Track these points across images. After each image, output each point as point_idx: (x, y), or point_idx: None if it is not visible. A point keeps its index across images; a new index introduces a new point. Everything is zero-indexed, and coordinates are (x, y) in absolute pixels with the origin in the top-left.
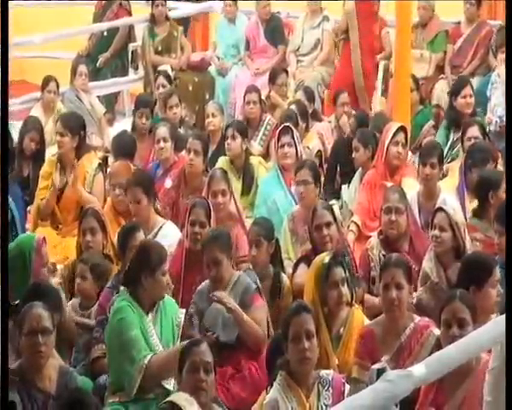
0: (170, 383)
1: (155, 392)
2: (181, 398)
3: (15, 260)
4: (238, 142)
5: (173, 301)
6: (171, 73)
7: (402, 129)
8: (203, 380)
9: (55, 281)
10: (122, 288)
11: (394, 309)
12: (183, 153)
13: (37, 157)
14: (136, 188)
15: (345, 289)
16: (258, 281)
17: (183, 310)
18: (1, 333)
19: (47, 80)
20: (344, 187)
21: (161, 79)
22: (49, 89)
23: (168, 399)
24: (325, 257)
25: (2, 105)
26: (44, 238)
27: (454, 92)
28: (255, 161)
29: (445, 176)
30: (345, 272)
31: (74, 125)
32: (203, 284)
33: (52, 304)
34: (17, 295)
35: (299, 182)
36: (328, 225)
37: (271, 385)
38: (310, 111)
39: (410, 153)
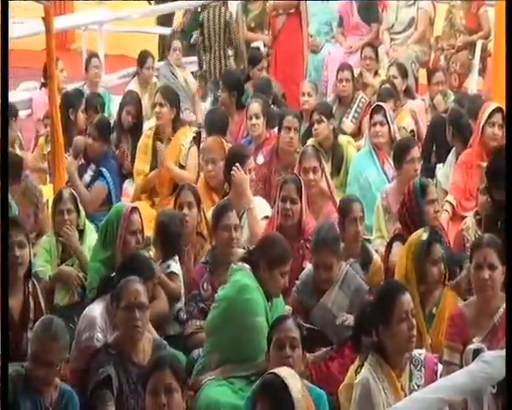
0: None
1: None
2: (284, 370)
3: (107, 228)
4: (324, 125)
5: (282, 299)
6: (264, 50)
7: (499, 110)
8: (289, 356)
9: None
10: (241, 263)
11: (487, 290)
12: (275, 129)
13: (135, 131)
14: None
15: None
16: (362, 273)
17: (290, 308)
18: (1, 331)
19: (145, 56)
20: (439, 166)
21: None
22: (147, 65)
23: (272, 371)
24: (423, 234)
25: (3, 104)
26: (135, 208)
27: None
28: (344, 140)
29: None
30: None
31: (172, 97)
32: (307, 271)
33: (144, 275)
34: (109, 264)
35: (415, 159)
36: (437, 200)
37: (361, 365)
38: (403, 88)
39: None
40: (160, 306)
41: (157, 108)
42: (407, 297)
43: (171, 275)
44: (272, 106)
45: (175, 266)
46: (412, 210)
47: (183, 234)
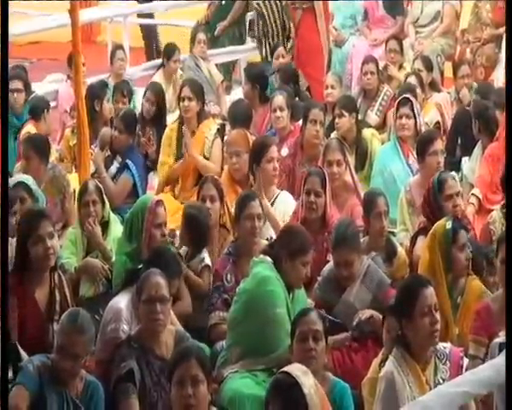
0: None
1: None
2: (295, 368)
3: (132, 220)
4: (345, 119)
5: (304, 291)
6: (290, 42)
7: None
8: (312, 348)
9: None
10: (262, 256)
11: None
12: (300, 122)
13: (158, 122)
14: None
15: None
16: (383, 267)
17: (313, 302)
18: (1, 328)
19: (172, 49)
20: (464, 159)
21: (282, 50)
22: (174, 58)
23: (283, 369)
24: (447, 222)
25: (3, 102)
26: (160, 201)
27: None
28: (368, 133)
29: None
30: None
31: (199, 91)
32: (328, 267)
33: (171, 271)
34: (135, 257)
35: (438, 151)
36: (458, 194)
37: (385, 359)
38: (428, 81)
39: None
40: (185, 306)
41: (185, 102)
42: (430, 291)
43: (205, 269)
44: (296, 98)
45: (208, 258)
46: (431, 205)
47: (211, 226)
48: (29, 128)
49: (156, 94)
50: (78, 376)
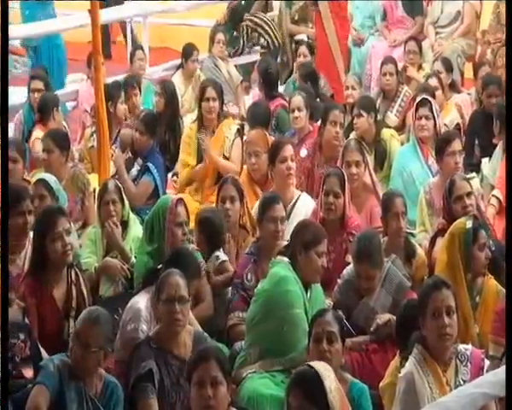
0: None
1: None
2: (319, 364)
3: (153, 220)
4: (364, 119)
5: (321, 290)
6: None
7: None
8: (326, 350)
9: (191, 247)
10: (279, 257)
11: None
12: (318, 122)
13: (171, 121)
14: None
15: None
16: (403, 269)
17: (331, 302)
18: (1, 327)
19: (191, 49)
20: (484, 160)
21: (303, 49)
22: (192, 58)
23: (308, 363)
24: (466, 222)
25: (3, 102)
26: (181, 199)
27: None
28: (387, 134)
29: None
30: None
31: (220, 91)
32: (349, 271)
33: (191, 271)
34: (156, 256)
35: (456, 152)
36: (468, 195)
37: (405, 359)
38: (448, 82)
39: None
40: (206, 310)
41: (210, 103)
42: (443, 294)
43: (222, 264)
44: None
45: (223, 255)
46: (445, 207)
47: (226, 227)
48: (37, 134)
49: (162, 84)
50: (95, 374)
